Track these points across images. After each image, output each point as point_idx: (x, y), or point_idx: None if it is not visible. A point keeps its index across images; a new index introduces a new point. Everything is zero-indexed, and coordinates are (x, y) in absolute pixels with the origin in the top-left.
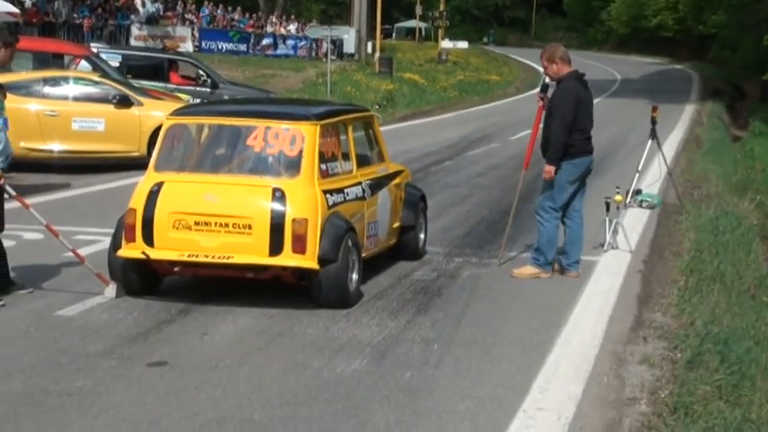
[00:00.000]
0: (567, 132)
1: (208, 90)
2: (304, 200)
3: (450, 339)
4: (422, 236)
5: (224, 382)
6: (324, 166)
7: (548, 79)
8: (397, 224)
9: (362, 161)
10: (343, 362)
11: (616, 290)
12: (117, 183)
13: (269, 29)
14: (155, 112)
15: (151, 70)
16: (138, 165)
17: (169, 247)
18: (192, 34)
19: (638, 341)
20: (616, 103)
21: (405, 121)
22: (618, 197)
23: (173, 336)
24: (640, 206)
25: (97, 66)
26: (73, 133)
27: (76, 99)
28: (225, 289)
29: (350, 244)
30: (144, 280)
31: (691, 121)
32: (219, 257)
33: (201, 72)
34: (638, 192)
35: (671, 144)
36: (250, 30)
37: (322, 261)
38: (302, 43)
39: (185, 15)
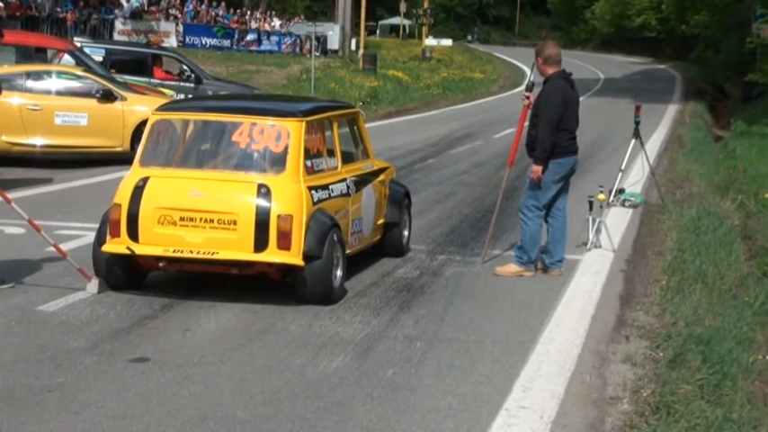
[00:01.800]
0: (554, 131)
1: (191, 85)
2: (289, 196)
3: (432, 337)
4: (406, 233)
5: (206, 379)
6: (309, 163)
7: (533, 77)
8: (381, 221)
9: (347, 158)
10: (326, 359)
11: (599, 289)
12: (100, 178)
13: (253, 25)
14: (138, 106)
15: (135, 65)
16: (121, 160)
17: (154, 243)
18: (176, 29)
19: (620, 340)
20: (599, 103)
21: (388, 119)
22: (601, 196)
23: (155, 332)
24: (623, 205)
25: (80, 60)
26: (56, 128)
27: (59, 93)
28: (208, 285)
29: (334, 240)
30: (128, 275)
31: (673, 121)
32: (204, 253)
33: (185, 67)
34: (621, 191)
35: (654, 144)
36: (234, 25)
37: (307, 257)
38: (286, 39)
39: (169, 10)
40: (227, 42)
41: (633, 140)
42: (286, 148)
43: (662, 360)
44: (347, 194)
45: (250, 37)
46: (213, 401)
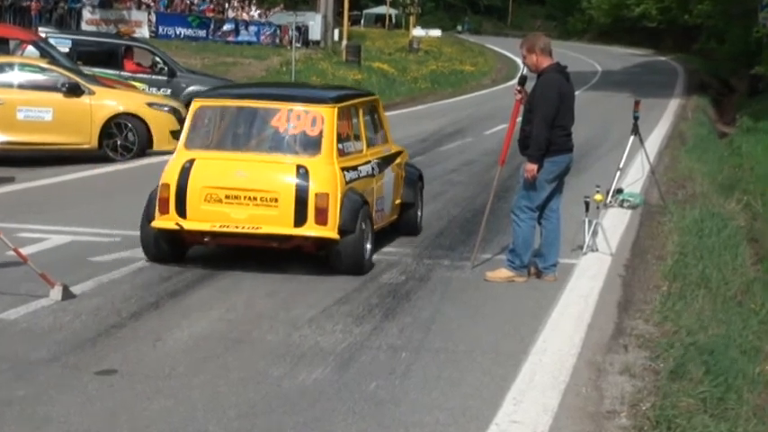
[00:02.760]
0: (550, 127)
1: (164, 78)
2: (325, 176)
3: (418, 347)
4: (419, 213)
5: (177, 392)
6: (340, 146)
7: (526, 71)
8: (398, 201)
9: (370, 141)
10: (305, 371)
11: (595, 295)
12: (65, 177)
13: (230, 14)
14: (107, 101)
15: (104, 57)
16: (88, 157)
17: (201, 219)
18: (149, 19)
19: (618, 350)
20: (596, 97)
21: None
22: (598, 196)
23: (123, 341)
24: (621, 206)
25: (45, 51)
26: (18, 123)
27: (22, 87)
28: (180, 293)
29: (365, 216)
30: (174, 249)
31: (675, 117)
32: (248, 228)
33: (158, 59)
34: (619, 191)
35: (654, 140)
36: (210, 15)
37: (342, 232)
38: (265, 29)
39: None
40: (202, 33)
41: (632, 137)
42: (321, 132)
43: (662, 371)
44: (372, 175)
45: (227, 27)
46: (185, 416)
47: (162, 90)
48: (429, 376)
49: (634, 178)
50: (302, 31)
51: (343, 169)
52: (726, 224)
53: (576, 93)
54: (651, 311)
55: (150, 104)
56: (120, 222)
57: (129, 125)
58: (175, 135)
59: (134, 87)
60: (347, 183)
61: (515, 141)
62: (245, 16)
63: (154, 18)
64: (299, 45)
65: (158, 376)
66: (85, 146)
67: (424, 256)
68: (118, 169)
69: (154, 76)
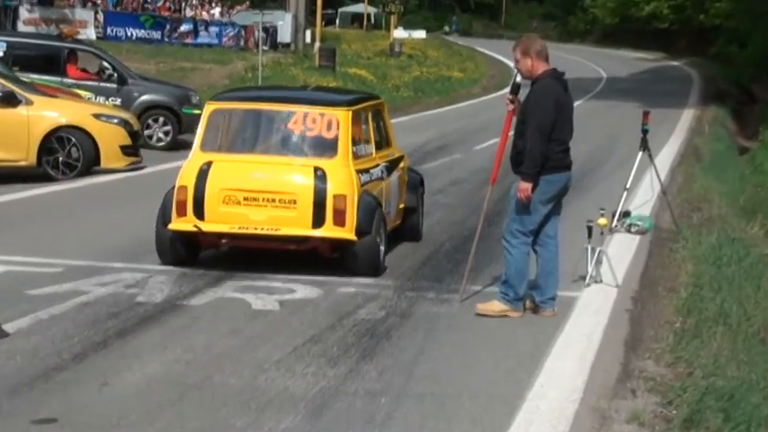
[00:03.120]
0: (546, 141)
1: (114, 86)
2: (342, 178)
3: (400, 392)
4: (421, 218)
5: None
6: (354, 149)
7: (519, 78)
8: (402, 205)
9: (378, 145)
10: (272, 419)
11: (599, 332)
12: None
13: (188, 13)
14: (47, 112)
15: (44, 62)
16: (25, 176)
17: (220, 221)
18: (95, 18)
19: (625, 395)
20: (601, 107)
21: None
22: (602, 221)
23: (65, 386)
24: (629, 231)
25: None
26: None
27: None
28: (128, 332)
29: (380, 218)
30: (189, 252)
31: (689, 130)
32: (267, 229)
33: (106, 64)
34: (626, 214)
35: (665, 157)
36: (165, 14)
37: (358, 233)
38: (228, 30)
39: None
40: (157, 34)
41: (640, 153)
42: (337, 135)
43: (675, 419)
44: (381, 179)
45: (184, 27)
46: None
47: (111, 99)
48: (412, 425)
49: (643, 200)
50: (270, 32)
51: (357, 172)
52: (747, 252)
53: (578, 102)
54: (662, 351)
55: (97, 116)
56: (62, 250)
57: (73, 139)
58: (126, 150)
59: (78, 96)
60: (362, 185)
61: (508, 158)
62: (204, 15)
63: (101, 17)
64: (266, 48)
65: (105, 426)
66: (22, 163)
67: (406, 288)
68: (60, 189)
69: (101, 84)
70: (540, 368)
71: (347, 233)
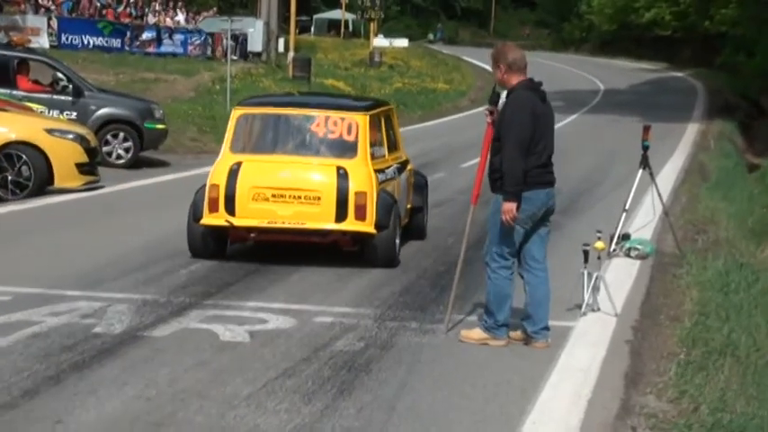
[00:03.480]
0: (524, 155)
1: (69, 99)
2: (362, 177)
3: (381, 430)
4: (426, 217)
5: None
6: (371, 150)
7: (499, 87)
8: (409, 205)
9: (390, 147)
10: None
11: (597, 366)
12: None
13: (151, 19)
14: None
15: None
16: None
17: (249, 216)
18: (49, 25)
19: None
20: (598, 122)
21: None
22: (599, 244)
23: (14, 426)
24: (628, 256)
25: None
26: None
27: None
28: (84, 366)
29: (396, 214)
30: (218, 246)
31: (694, 146)
32: (294, 224)
33: (60, 75)
34: (625, 237)
35: (668, 175)
36: (126, 20)
37: (377, 227)
38: (194, 38)
39: (39, 0)
40: (116, 42)
41: (641, 171)
42: (356, 137)
43: None
44: (394, 178)
45: (147, 35)
46: None
47: (66, 113)
48: None
49: (643, 221)
50: (239, 40)
51: (375, 171)
52: (757, 277)
53: (574, 116)
54: (665, 385)
55: (50, 131)
56: (12, 277)
57: (24, 156)
58: (82, 169)
59: (30, 110)
60: (380, 183)
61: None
62: (168, 22)
63: (55, 24)
64: (235, 57)
65: None
66: None
67: (387, 317)
68: (9, 211)
69: (55, 96)
70: (532, 404)
71: (368, 227)
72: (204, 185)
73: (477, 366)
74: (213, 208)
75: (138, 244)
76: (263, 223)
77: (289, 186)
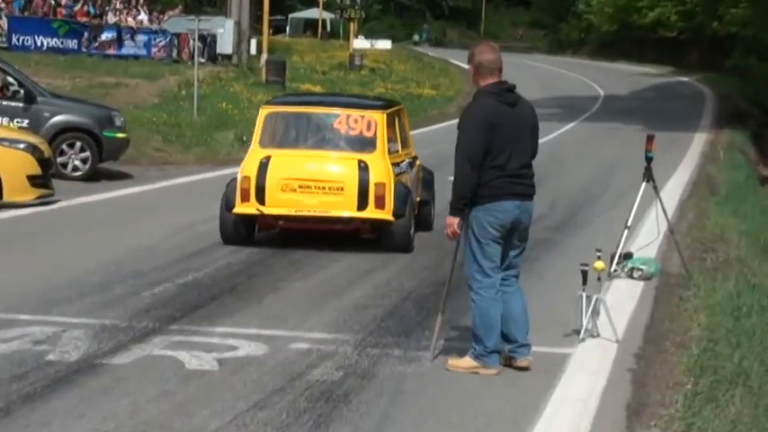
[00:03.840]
0: (474, 168)
1: (20, 105)
2: (381, 169)
3: None
4: (433, 210)
5: None
6: (388, 146)
7: None
8: (418, 198)
9: (402, 143)
10: None
11: (596, 396)
12: None
13: (111, 18)
14: None
15: None
16: None
17: (278, 205)
18: None
19: None
20: (597, 131)
21: None
22: (599, 264)
23: None
24: (630, 276)
25: None
26: None
27: None
28: (37, 394)
29: (411, 203)
30: (248, 232)
31: (702, 157)
32: (319, 212)
33: (10, 79)
34: (627, 256)
35: (674, 189)
36: (83, 19)
37: (395, 215)
38: (158, 39)
39: None
40: (73, 43)
41: (644, 184)
42: (375, 133)
43: None
44: (407, 172)
45: (106, 36)
46: None
47: (16, 121)
48: None
49: (647, 239)
50: (208, 41)
51: (392, 164)
52: None
53: (572, 125)
54: (671, 418)
55: None
56: None
57: None
58: (35, 181)
59: None
60: (396, 175)
61: None
62: (130, 22)
63: (5, 24)
64: (203, 60)
65: None
66: None
67: (368, 344)
68: None
69: (5, 103)
70: None
71: (386, 215)
72: (234, 179)
73: (466, 396)
74: (245, 198)
75: (97, 263)
76: (291, 211)
77: (314, 178)
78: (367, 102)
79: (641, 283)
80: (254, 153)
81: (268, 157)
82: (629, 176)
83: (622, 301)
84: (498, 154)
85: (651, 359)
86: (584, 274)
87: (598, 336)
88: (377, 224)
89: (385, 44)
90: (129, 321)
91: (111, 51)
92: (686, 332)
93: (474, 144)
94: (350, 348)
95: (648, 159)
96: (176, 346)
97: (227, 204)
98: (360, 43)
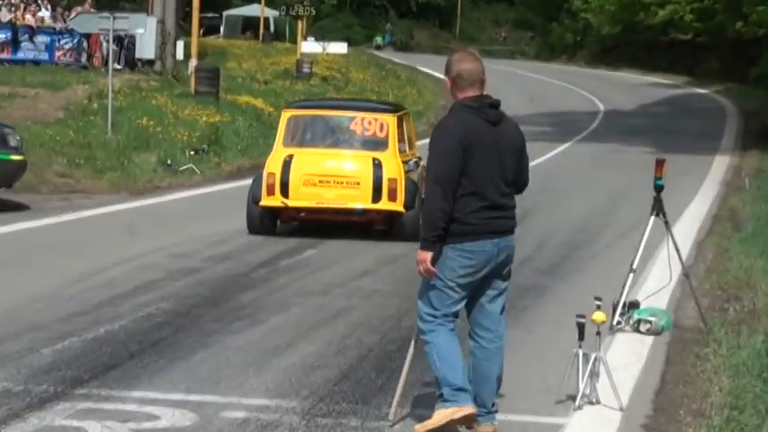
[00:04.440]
0: (448, 195)
1: None
2: (393, 166)
3: None
4: None
5: None
6: (399, 146)
7: None
8: (423, 196)
9: (409, 144)
10: None
11: None
12: None
13: (5, 15)
14: None
15: None
16: None
17: (301, 198)
18: None
19: None
20: (597, 153)
21: (238, 180)
22: (598, 316)
23: None
24: (637, 330)
25: None
26: None
27: None
28: None
29: (420, 198)
30: (272, 224)
31: (723, 185)
32: (338, 204)
33: None
34: (632, 306)
35: (689, 223)
36: None
37: (406, 207)
38: (64, 41)
39: None
40: None
41: (652, 218)
42: (387, 134)
43: None
44: (414, 170)
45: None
46: None
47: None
48: None
49: (657, 285)
50: (125, 44)
51: (402, 162)
52: None
53: (566, 146)
54: None
55: None
56: None
57: None
58: None
59: None
60: (406, 172)
61: None
62: (29, 20)
63: None
64: (119, 66)
65: None
66: None
67: (317, 412)
68: None
69: None
70: None
71: (398, 206)
72: (260, 175)
73: None
74: (270, 192)
75: None
76: (312, 204)
77: (333, 174)
78: (379, 105)
79: (650, 339)
80: (278, 152)
81: (291, 156)
82: (635, 209)
83: (627, 360)
84: (475, 180)
85: (662, 431)
86: (581, 328)
87: (598, 402)
88: (389, 215)
89: (340, 48)
90: (25, 384)
91: (5, 55)
92: (705, 398)
93: (448, 167)
94: (296, 418)
95: (658, 188)
96: (83, 414)
97: (254, 198)
98: (309, 46)
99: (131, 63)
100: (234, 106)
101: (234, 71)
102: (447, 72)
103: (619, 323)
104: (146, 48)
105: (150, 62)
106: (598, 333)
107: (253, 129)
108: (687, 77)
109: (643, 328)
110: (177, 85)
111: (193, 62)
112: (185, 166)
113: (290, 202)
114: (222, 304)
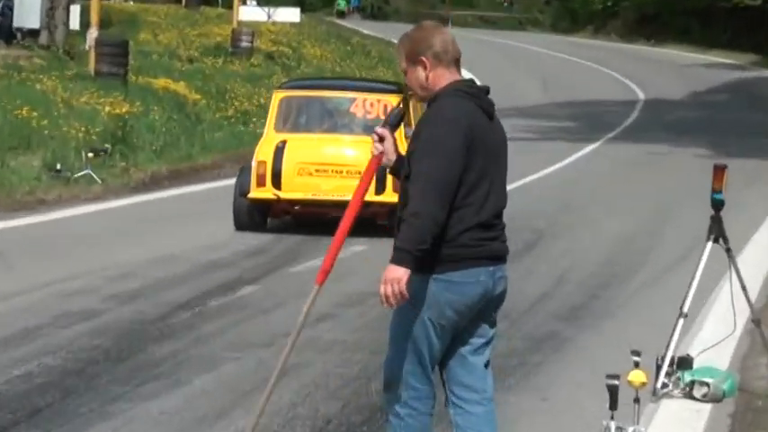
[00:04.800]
0: (445, 203)
1: None
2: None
3: None
4: None
5: None
6: (405, 130)
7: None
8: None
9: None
10: None
11: None
12: None
13: None
14: None
15: None
16: None
17: (295, 190)
18: None
19: None
20: (636, 156)
21: (151, 192)
22: (636, 376)
23: None
24: (690, 396)
25: None
26: None
27: None
28: None
29: None
30: (262, 218)
31: None
32: (337, 196)
33: None
34: (683, 364)
35: (759, 252)
36: None
37: None
38: None
39: None
40: None
41: (709, 244)
42: None
43: None
44: None
45: None
46: None
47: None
48: None
49: (716, 335)
50: (4, 11)
51: None
52: None
53: (594, 146)
54: None
55: None
56: None
57: None
58: None
59: None
60: None
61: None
62: None
63: None
64: None
65: None
66: None
67: None
68: None
69: None
70: None
71: None
72: (248, 165)
73: None
74: (261, 183)
75: None
76: (308, 196)
77: (332, 162)
78: (382, 86)
79: (708, 408)
80: (269, 138)
81: (284, 142)
82: (686, 232)
83: None
84: (476, 187)
85: None
86: (613, 393)
87: None
88: (394, 209)
89: (291, 15)
90: None
91: None
92: None
93: (448, 168)
94: None
95: (717, 204)
96: None
97: (242, 190)
98: (250, 13)
99: (7, 34)
100: (147, 92)
101: (148, 45)
102: (416, 54)
103: (665, 386)
104: (28, 14)
105: (34, 33)
106: (636, 400)
107: (172, 123)
108: (755, 56)
109: (698, 392)
110: (71, 64)
111: (93, 33)
112: (81, 173)
113: (283, 194)
114: (129, 360)
